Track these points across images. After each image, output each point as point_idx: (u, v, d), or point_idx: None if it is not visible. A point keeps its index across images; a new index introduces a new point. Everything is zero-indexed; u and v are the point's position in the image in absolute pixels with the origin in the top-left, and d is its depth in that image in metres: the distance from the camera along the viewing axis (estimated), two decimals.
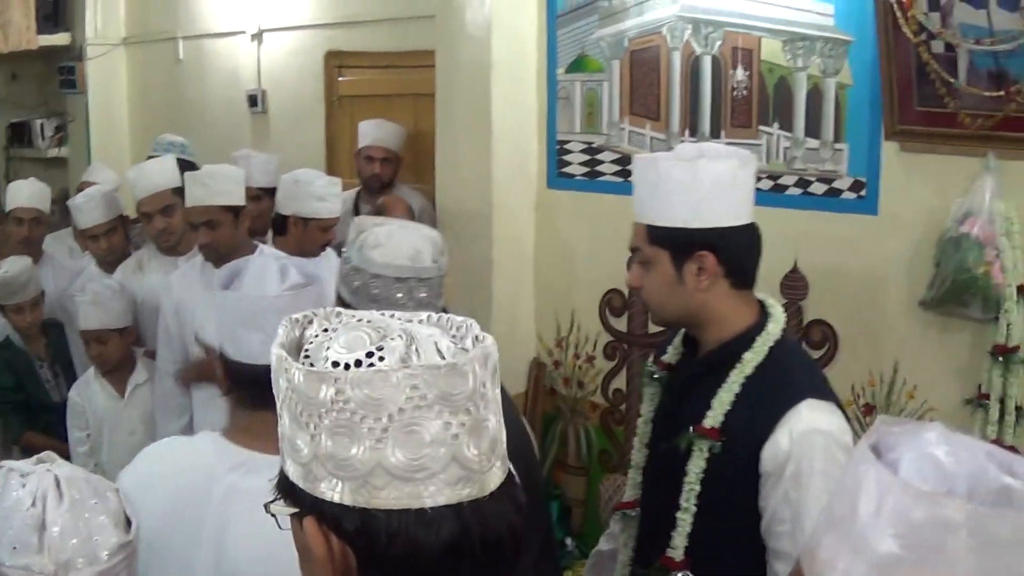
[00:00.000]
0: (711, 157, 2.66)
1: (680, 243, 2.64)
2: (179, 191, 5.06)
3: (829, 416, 2.61)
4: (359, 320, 1.41)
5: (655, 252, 2.69)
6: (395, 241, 2.75)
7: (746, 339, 2.67)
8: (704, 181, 2.61)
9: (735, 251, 2.68)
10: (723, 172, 2.63)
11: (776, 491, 2.54)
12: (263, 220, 5.78)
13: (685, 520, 2.65)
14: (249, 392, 2.45)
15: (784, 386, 2.61)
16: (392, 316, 1.44)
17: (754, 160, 2.77)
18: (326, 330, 1.41)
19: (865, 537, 1.28)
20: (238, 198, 4.78)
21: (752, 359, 2.64)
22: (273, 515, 1.44)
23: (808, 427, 2.54)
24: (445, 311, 2.87)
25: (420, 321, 1.44)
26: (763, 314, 2.74)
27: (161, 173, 5.20)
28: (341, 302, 2.80)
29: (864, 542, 1.28)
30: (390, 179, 6.16)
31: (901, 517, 1.25)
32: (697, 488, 2.64)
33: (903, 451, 1.32)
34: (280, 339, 1.41)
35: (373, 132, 6.18)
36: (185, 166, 5.49)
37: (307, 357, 1.38)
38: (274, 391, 1.41)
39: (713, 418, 2.62)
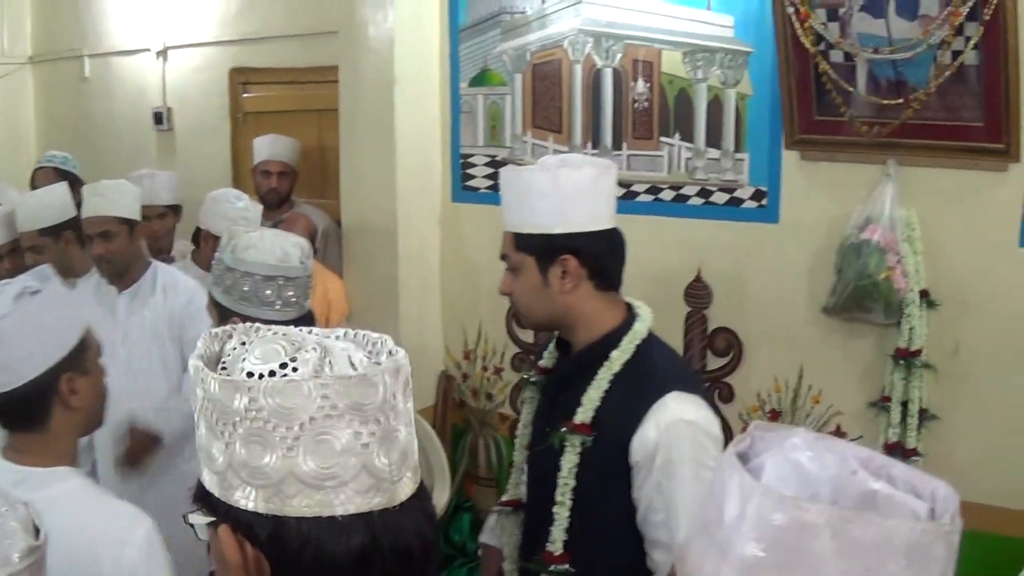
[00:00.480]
0: (571, 166, 2.68)
1: (544, 248, 2.68)
2: (49, 231, 4.87)
3: (695, 407, 2.62)
4: (275, 334, 1.41)
5: (522, 258, 2.71)
6: (265, 243, 2.91)
7: (614, 338, 2.69)
8: (564, 188, 2.63)
9: (597, 254, 2.70)
10: (582, 179, 2.66)
11: (648, 481, 2.56)
12: (168, 237, 5.68)
13: (561, 514, 2.66)
14: (3, 418, 2.44)
15: (651, 380, 2.63)
16: (310, 331, 1.44)
17: (614, 168, 2.79)
18: (244, 343, 1.41)
19: (731, 541, 1.28)
20: (134, 212, 4.58)
21: (619, 357, 2.66)
22: (190, 525, 1.42)
23: (674, 417, 2.55)
24: (311, 314, 2.90)
25: (336, 337, 1.44)
26: (631, 315, 2.75)
27: (35, 210, 4.92)
28: (214, 303, 3.00)
29: (730, 546, 1.28)
30: (287, 193, 5.95)
31: (763, 521, 1.24)
32: (572, 483, 2.64)
33: (767, 457, 1.32)
34: (199, 351, 1.40)
35: (268, 147, 5.96)
36: (68, 179, 5.42)
37: (224, 369, 1.38)
38: (191, 403, 1.40)
39: (583, 413, 2.63)
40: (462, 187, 5.38)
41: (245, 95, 6.91)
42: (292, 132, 6.17)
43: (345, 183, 5.45)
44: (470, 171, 5.33)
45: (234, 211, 4.96)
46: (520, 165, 4.98)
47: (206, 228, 5.16)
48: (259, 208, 5.15)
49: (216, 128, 6.99)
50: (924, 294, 3.96)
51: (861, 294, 3.95)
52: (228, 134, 6.99)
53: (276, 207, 5.80)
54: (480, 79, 5.22)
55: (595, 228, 2.69)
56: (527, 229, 2.70)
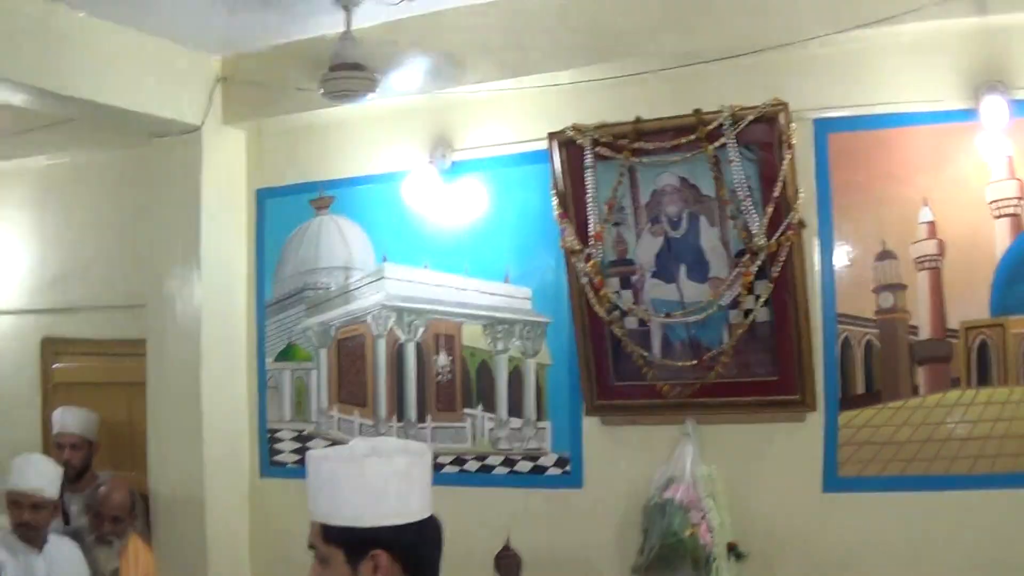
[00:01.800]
0: (380, 454, 2.33)
1: (353, 542, 2.23)
2: None
3: None
4: None
5: (330, 550, 2.25)
6: None
7: None
8: (372, 479, 2.26)
9: (411, 548, 2.26)
10: (393, 469, 2.29)
11: None
12: None
13: None
14: None
15: None
16: None
17: (428, 454, 2.42)
18: None
19: None
20: None
21: None
22: None
23: None
24: None
25: None
26: None
27: None
28: None
29: None
30: (83, 465, 5.21)
31: None
32: None
33: None
34: None
35: (61, 419, 5.32)
36: None
37: None
38: None
39: None
40: (270, 462, 4.89)
41: (56, 365, 6.25)
42: (101, 404, 5.56)
43: (153, 457, 4.92)
44: (278, 446, 4.87)
45: (19, 462, 4.25)
46: (327, 441, 4.69)
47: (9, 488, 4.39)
48: (59, 470, 4.43)
49: (27, 398, 6.21)
50: (732, 547, 3.69)
51: (668, 552, 3.65)
52: (39, 404, 6.21)
53: (74, 480, 5.08)
54: (286, 354, 4.87)
55: (408, 520, 2.27)
56: (335, 521, 2.25)
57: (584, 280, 3.88)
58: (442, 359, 4.46)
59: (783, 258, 3.55)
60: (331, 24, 4.09)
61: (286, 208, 4.83)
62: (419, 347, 4.51)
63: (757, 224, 3.56)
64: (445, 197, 4.39)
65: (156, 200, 4.87)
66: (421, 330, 4.50)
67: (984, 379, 3.49)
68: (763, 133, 3.57)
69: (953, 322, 3.54)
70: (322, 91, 3.95)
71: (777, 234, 3.53)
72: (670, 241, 3.83)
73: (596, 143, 3.81)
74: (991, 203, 3.48)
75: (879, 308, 3.63)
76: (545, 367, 4.23)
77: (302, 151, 4.79)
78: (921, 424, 3.56)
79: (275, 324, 4.89)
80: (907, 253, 3.58)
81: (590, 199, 3.84)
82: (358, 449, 2.36)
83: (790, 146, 3.52)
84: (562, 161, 3.91)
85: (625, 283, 3.90)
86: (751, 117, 3.55)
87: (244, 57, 4.65)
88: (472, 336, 4.40)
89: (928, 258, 3.55)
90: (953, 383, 3.53)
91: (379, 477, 2.25)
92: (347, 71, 3.90)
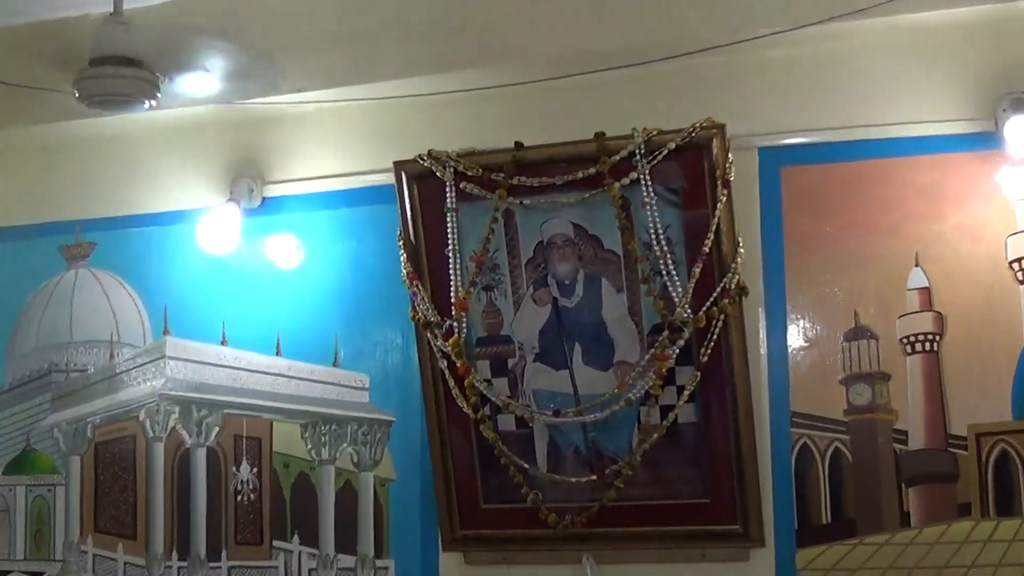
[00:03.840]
0: None
1: None
2: None
3: None
4: None
5: None
6: None
7: None
8: None
9: None
10: None
11: None
12: None
13: None
14: None
15: None
16: None
17: None
18: None
19: None
20: None
21: None
22: None
23: None
24: None
25: None
26: None
27: None
28: None
29: None
30: None
31: None
32: None
33: None
34: None
35: None
36: None
37: None
38: None
39: None
40: None
41: None
42: None
43: None
44: None
45: None
46: None
47: None
48: None
49: None
50: None
51: None
52: None
53: None
54: (21, 463, 4.42)
55: None
56: None
57: (442, 364, 3.56)
58: (244, 472, 4.11)
59: (715, 337, 3.25)
60: (96, 1, 3.55)
61: (26, 257, 4.47)
62: (212, 454, 4.16)
63: (680, 290, 3.25)
64: (252, 247, 4.06)
65: None
66: (215, 430, 4.13)
67: (1006, 507, 3.19)
68: (689, 166, 3.26)
69: (959, 426, 3.26)
70: (79, 94, 3.42)
71: (708, 304, 3.23)
72: (560, 312, 3.51)
73: (460, 177, 3.48)
74: (1014, 262, 3.21)
75: (851, 406, 3.36)
76: (388, 483, 3.93)
77: (52, 178, 4.40)
78: (916, 567, 3.25)
79: (7, 420, 4.46)
80: (891, 330, 3.32)
81: (452, 253, 3.53)
82: None
83: (727, 184, 3.21)
84: (413, 201, 3.59)
85: (499, 369, 3.57)
86: (673, 144, 3.23)
87: None
88: (287, 440, 4.06)
89: (921, 337, 3.30)
90: (961, 511, 3.24)
91: None
92: (115, 67, 3.43)
